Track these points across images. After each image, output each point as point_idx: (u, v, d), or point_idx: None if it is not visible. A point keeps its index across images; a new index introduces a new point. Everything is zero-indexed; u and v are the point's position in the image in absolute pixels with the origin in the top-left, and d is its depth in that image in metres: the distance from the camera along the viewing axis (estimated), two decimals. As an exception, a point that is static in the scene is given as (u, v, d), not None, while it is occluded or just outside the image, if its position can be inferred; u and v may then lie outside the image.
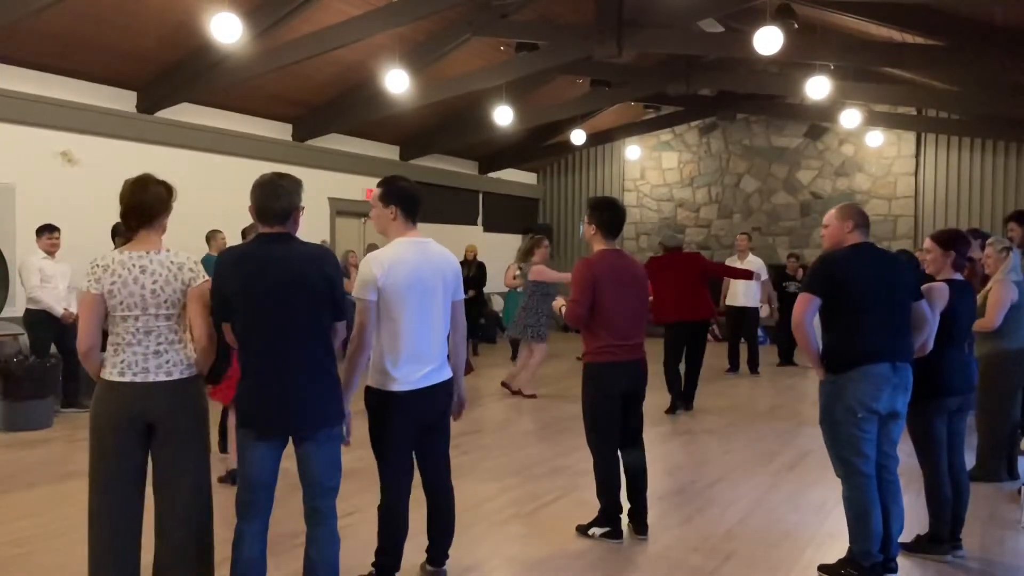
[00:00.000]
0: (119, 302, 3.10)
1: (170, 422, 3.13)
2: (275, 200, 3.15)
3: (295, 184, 3.22)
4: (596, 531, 4.55)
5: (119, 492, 3.15)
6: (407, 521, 3.66)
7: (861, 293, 3.83)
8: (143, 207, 3.17)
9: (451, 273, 3.66)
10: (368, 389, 3.57)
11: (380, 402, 3.52)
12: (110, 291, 3.10)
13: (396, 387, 3.49)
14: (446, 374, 3.66)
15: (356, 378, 3.49)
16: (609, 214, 4.50)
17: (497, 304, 14.43)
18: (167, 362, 3.13)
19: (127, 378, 3.10)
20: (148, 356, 3.11)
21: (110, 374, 3.12)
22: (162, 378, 3.12)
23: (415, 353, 3.50)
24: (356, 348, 3.48)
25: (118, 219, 3.32)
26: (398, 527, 3.64)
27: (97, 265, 3.14)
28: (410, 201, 3.60)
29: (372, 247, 9.23)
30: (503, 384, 9.28)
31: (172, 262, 3.16)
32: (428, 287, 3.53)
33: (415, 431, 3.61)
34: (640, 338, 4.51)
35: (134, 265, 3.11)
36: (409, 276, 3.46)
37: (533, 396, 8.95)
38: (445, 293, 3.62)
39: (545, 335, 8.95)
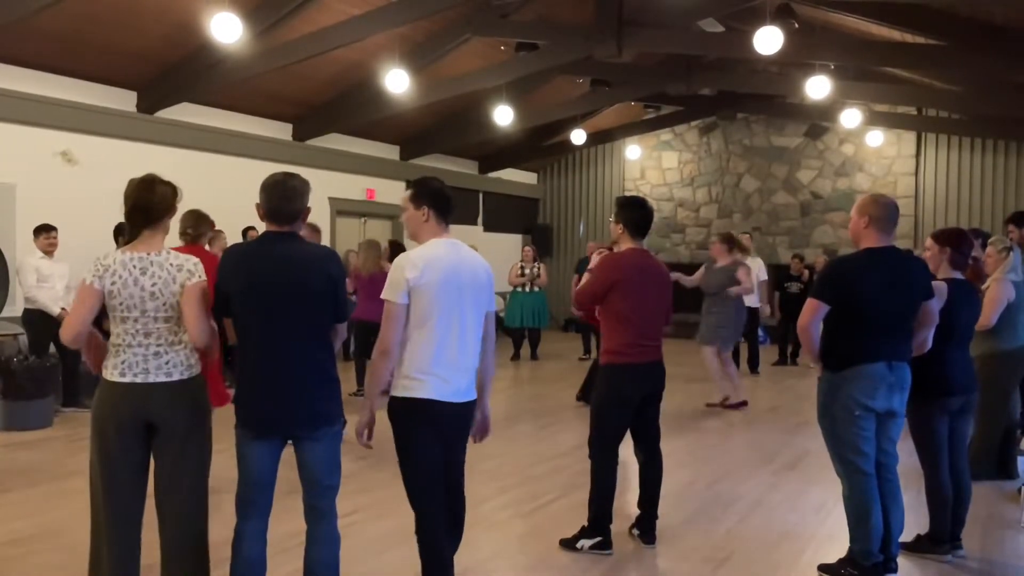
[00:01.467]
0: (119, 303, 3.11)
1: (170, 422, 3.14)
2: (286, 201, 3.17)
3: (305, 185, 3.24)
4: (585, 543, 4.36)
5: (120, 491, 3.16)
6: (446, 544, 3.40)
7: (868, 302, 3.81)
8: (148, 207, 3.17)
9: (485, 276, 3.43)
10: (393, 399, 3.29)
11: (407, 411, 3.25)
12: (111, 291, 3.10)
13: (424, 394, 3.23)
14: (473, 394, 3.42)
15: (380, 387, 3.28)
16: (636, 213, 4.43)
17: (497, 304, 14.41)
18: (167, 363, 3.13)
19: (127, 379, 3.10)
20: (148, 357, 3.11)
21: (111, 374, 3.13)
22: (162, 379, 3.12)
23: (446, 359, 3.26)
24: (380, 355, 3.24)
25: (120, 219, 3.31)
26: (440, 555, 3.35)
27: (100, 263, 3.14)
28: (443, 201, 3.38)
29: (353, 251, 9.20)
30: (720, 404, 8.54)
31: (172, 264, 3.16)
32: (463, 289, 3.30)
33: (441, 443, 3.33)
34: (659, 339, 4.48)
35: (135, 266, 3.12)
36: (444, 276, 3.25)
37: (744, 403, 8.50)
38: (479, 298, 3.38)
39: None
